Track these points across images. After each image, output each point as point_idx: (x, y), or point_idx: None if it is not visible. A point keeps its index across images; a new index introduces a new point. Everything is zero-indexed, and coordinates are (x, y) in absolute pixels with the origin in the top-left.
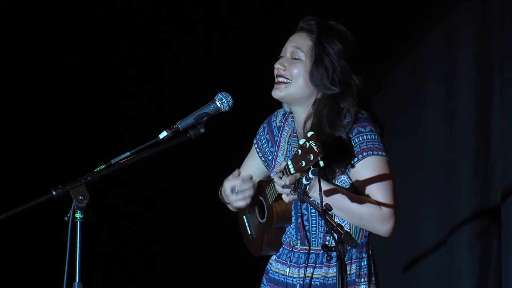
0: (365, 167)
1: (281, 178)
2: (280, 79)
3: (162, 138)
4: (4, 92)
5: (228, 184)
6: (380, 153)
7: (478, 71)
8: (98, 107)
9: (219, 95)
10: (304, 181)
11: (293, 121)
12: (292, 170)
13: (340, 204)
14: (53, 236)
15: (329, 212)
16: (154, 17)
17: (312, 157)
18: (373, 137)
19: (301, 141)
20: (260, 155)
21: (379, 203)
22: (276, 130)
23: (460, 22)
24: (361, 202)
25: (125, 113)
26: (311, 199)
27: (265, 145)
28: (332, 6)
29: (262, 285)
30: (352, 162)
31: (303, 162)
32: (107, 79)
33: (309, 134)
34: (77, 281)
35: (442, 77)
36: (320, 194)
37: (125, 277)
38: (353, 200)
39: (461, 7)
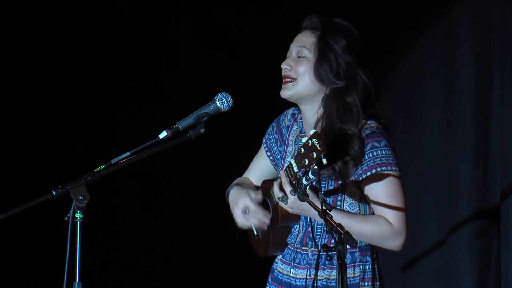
0: (378, 181)
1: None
2: (287, 79)
3: (162, 138)
4: (4, 92)
5: (248, 203)
6: (393, 168)
7: (478, 71)
8: (98, 107)
9: (219, 95)
10: (304, 181)
11: (301, 121)
12: (295, 169)
13: (351, 229)
14: (53, 236)
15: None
16: (154, 17)
17: (315, 154)
18: (387, 152)
19: (304, 140)
20: (269, 154)
21: (389, 219)
22: (285, 129)
23: (460, 22)
24: (372, 223)
25: (125, 113)
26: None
27: (273, 144)
28: (332, 5)
29: (267, 284)
30: (365, 175)
31: (306, 161)
32: (107, 79)
33: (312, 132)
34: (77, 281)
35: (442, 77)
36: (320, 194)
37: (125, 277)
38: (363, 222)
39: (461, 7)
